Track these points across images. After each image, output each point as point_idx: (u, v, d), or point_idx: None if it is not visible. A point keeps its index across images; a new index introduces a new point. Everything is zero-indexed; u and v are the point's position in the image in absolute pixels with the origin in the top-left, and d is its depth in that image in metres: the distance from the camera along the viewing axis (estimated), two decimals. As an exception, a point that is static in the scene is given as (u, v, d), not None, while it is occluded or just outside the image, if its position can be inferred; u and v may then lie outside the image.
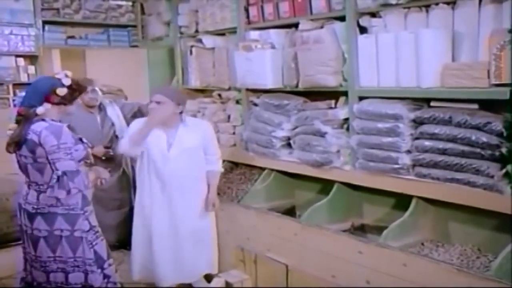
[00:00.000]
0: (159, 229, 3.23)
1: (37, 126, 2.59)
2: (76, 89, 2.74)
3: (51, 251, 2.67)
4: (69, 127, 2.68)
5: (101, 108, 4.05)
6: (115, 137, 4.02)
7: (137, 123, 3.27)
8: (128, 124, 3.70)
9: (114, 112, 4.10)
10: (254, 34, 3.63)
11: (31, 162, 2.61)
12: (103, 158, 3.88)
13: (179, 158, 3.19)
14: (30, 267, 2.78)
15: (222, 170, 3.53)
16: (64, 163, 2.56)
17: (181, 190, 3.23)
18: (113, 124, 4.05)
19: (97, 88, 3.96)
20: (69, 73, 2.73)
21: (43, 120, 2.62)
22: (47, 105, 2.64)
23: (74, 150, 2.62)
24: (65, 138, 2.58)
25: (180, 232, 3.26)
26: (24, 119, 2.63)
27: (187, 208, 3.27)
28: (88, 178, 2.69)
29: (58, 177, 2.54)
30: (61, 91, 2.65)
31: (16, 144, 2.61)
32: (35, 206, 2.65)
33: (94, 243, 2.74)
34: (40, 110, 2.62)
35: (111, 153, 3.94)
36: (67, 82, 2.68)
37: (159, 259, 3.24)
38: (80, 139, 2.73)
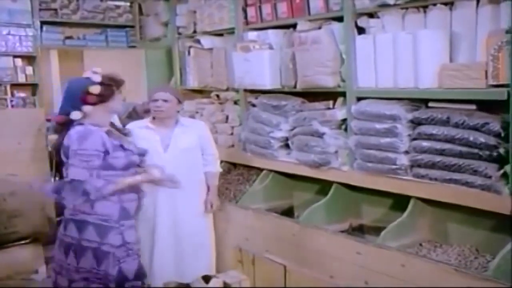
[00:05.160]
0: (161, 231, 3.20)
1: (71, 130, 2.51)
2: (111, 83, 2.59)
3: (76, 261, 2.54)
4: (108, 133, 2.55)
5: None
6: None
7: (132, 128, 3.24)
8: (123, 125, 3.67)
9: None
10: (252, 35, 3.62)
11: (67, 168, 2.53)
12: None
13: (176, 160, 3.15)
14: (56, 273, 2.64)
15: (221, 170, 3.51)
16: (75, 170, 2.45)
17: (180, 191, 3.18)
18: None
19: None
20: (98, 70, 2.59)
21: (81, 124, 2.53)
22: (87, 107, 2.51)
23: (95, 158, 2.47)
24: (87, 145, 2.45)
25: (180, 234, 3.24)
26: (62, 127, 2.55)
27: (187, 210, 3.26)
28: (101, 190, 2.49)
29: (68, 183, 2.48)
30: (95, 89, 2.52)
31: (57, 152, 2.55)
32: (71, 212, 2.57)
33: (122, 261, 2.56)
34: (75, 115, 2.51)
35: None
36: (97, 78, 2.55)
37: (160, 261, 3.21)
38: (121, 146, 2.59)
